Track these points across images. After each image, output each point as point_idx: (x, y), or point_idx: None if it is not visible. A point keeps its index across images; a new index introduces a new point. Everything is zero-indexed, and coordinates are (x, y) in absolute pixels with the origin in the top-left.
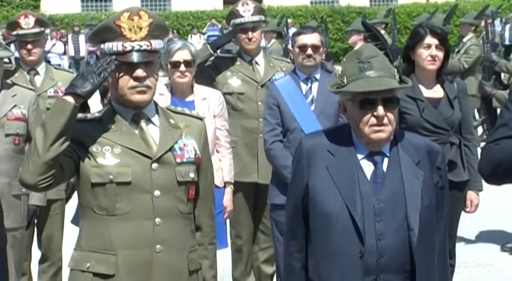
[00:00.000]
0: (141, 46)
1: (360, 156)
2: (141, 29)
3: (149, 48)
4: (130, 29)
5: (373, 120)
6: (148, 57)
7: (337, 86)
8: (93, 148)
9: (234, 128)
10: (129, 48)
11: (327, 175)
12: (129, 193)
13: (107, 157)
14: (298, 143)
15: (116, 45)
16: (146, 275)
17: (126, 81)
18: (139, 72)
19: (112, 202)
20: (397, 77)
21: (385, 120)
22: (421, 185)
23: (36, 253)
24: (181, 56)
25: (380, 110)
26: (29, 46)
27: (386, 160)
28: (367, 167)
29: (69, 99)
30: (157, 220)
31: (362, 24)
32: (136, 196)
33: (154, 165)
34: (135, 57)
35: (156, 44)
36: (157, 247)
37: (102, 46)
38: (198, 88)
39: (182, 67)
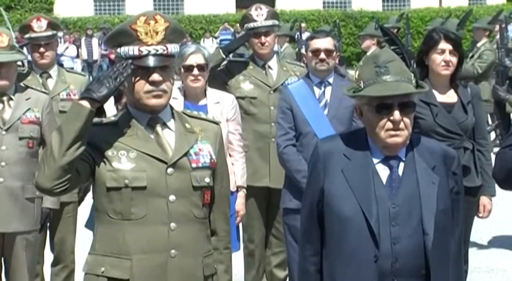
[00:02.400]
0: (157, 50)
1: (375, 160)
2: (157, 33)
3: (165, 52)
4: (146, 33)
5: (389, 124)
6: (164, 62)
7: (353, 90)
8: (109, 152)
9: (246, 133)
10: (145, 52)
11: (342, 178)
12: (144, 198)
13: (122, 161)
14: (314, 147)
15: (132, 50)
16: (161, 280)
17: (142, 86)
18: (156, 76)
19: (127, 207)
20: (413, 81)
21: (401, 125)
22: (437, 190)
23: (48, 256)
24: (195, 60)
25: (396, 114)
26: (42, 49)
27: (402, 165)
28: (383, 172)
29: (85, 103)
30: (173, 224)
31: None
32: (152, 200)
33: (170, 170)
34: (151, 61)
35: (172, 48)
36: (172, 251)
37: (118, 50)
38: (211, 92)
39: (195, 71)
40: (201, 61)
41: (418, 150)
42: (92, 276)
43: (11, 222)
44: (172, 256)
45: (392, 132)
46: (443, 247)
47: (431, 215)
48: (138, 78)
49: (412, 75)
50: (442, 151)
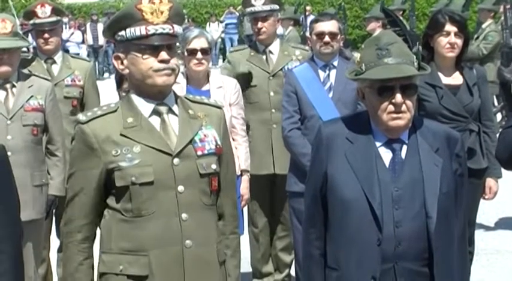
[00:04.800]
0: (164, 29)
1: (378, 143)
2: (162, 12)
3: (171, 31)
4: (152, 13)
5: (391, 107)
6: (170, 40)
7: (355, 73)
8: (113, 152)
9: (250, 122)
10: (152, 31)
11: (345, 162)
12: (153, 192)
13: (127, 158)
14: (317, 131)
15: (139, 30)
16: (179, 271)
17: (150, 64)
18: (164, 54)
19: (137, 203)
20: (415, 64)
21: (403, 108)
22: (440, 172)
23: (54, 242)
24: (198, 43)
25: (398, 97)
26: (46, 35)
27: (405, 147)
28: (386, 155)
29: None
30: (184, 215)
31: (382, 10)
32: (161, 193)
33: (176, 160)
34: (159, 40)
35: (177, 28)
36: (187, 242)
37: (121, 33)
38: (213, 77)
39: (199, 55)
40: (205, 45)
41: (421, 132)
42: (111, 275)
43: (24, 210)
44: (188, 247)
45: (394, 115)
46: (447, 229)
47: (434, 198)
48: (146, 57)
49: (415, 57)
50: (445, 133)
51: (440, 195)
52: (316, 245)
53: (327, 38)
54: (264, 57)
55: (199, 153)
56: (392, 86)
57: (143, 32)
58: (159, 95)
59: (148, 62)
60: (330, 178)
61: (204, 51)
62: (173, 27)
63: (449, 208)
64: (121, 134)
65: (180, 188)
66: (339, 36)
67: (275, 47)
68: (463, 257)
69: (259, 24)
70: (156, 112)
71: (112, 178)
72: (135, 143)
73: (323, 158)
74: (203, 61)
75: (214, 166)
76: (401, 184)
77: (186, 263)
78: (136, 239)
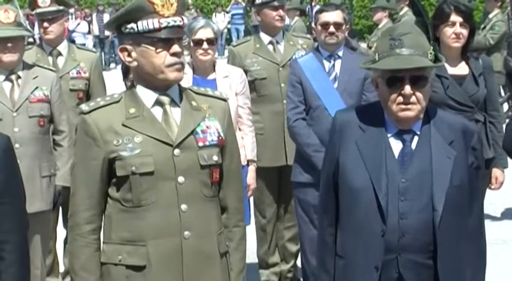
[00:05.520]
0: (175, 21)
1: (389, 134)
2: (172, 4)
3: (181, 23)
4: (163, 5)
5: (400, 98)
6: (180, 33)
7: (370, 63)
8: (114, 142)
9: (260, 115)
10: (165, 24)
11: (356, 150)
12: (153, 182)
13: (128, 148)
14: (332, 118)
15: (151, 23)
16: (178, 262)
17: (163, 59)
18: (176, 47)
19: (137, 193)
20: (430, 55)
21: (413, 99)
22: (452, 165)
23: (61, 233)
24: (204, 34)
25: (407, 88)
26: (45, 24)
27: (416, 138)
28: (396, 145)
29: None
30: (183, 206)
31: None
32: (161, 184)
33: (176, 151)
34: (171, 33)
35: (186, 20)
36: (186, 233)
37: (130, 25)
38: (219, 66)
39: (205, 45)
40: (211, 35)
41: (435, 124)
42: (110, 265)
43: (33, 202)
44: (186, 238)
45: (403, 106)
46: (455, 223)
47: (442, 190)
48: (159, 50)
49: (431, 48)
50: (461, 125)
51: (451, 188)
52: (329, 232)
53: (331, 29)
54: (271, 48)
55: (200, 144)
56: (401, 77)
57: (156, 25)
58: (164, 87)
59: (161, 56)
60: (341, 165)
61: (210, 42)
62: (182, 19)
63: (460, 202)
64: (123, 125)
65: (180, 179)
66: (343, 26)
67: (280, 37)
68: (477, 252)
69: (281, 12)
70: (158, 103)
71: (113, 168)
72: (137, 133)
73: (336, 145)
74: (209, 51)
75: (215, 158)
76: (409, 176)
77: (184, 254)
78: (135, 229)
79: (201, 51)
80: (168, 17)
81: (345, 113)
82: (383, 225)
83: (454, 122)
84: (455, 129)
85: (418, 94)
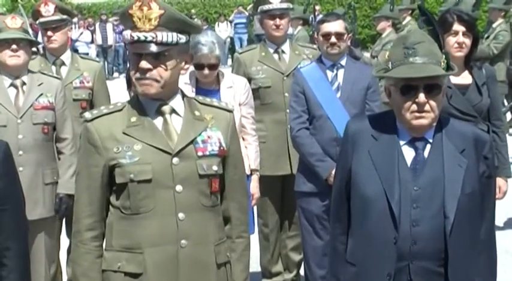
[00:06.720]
0: (146, 37)
1: (402, 142)
2: (150, 20)
3: (154, 40)
4: (139, 19)
5: (414, 106)
6: (153, 49)
7: (383, 71)
8: (114, 149)
9: (263, 123)
10: (135, 38)
11: (368, 159)
12: (151, 190)
13: (127, 155)
14: (345, 127)
15: (127, 34)
16: (173, 271)
17: (133, 72)
18: (143, 64)
19: (135, 201)
20: (443, 64)
21: (427, 107)
22: (464, 173)
23: (64, 242)
24: (206, 60)
25: (421, 97)
26: (49, 33)
27: (428, 146)
28: (408, 153)
29: None
30: (181, 215)
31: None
32: (158, 192)
33: (175, 159)
34: (139, 48)
35: (165, 36)
36: (182, 242)
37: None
38: (224, 77)
39: (206, 70)
40: (213, 61)
41: (448, 132)
42: (110, 272)
43: (35, 209)
44: (183, 246)
45: (417, 114)
46: (466, 231)
47: (454, 198)
48: (133, 63)
49: (444, 56)
50: (473, 134)
51: (462, 196)
52: (340, 240)
53: (333, 39)
54: (277, 57)
55: (200, 154)
56: (416, 86)
57: (128, 38)
58: (154, 99)
59: (132, 69)
60: (353, 174)
61: (211, 67)
62: (157, 36)
63: (471, 210)
64: (123, 132)
65: (178, 187)
66: (345, 36)
67: (286, 47)
68: (489, 261)
69: (278, 21)
70: (159, 112)
71: (113, 175)
72: (136, 141)
73: (348, 154)
74: (210, 74)
75: (215, 168)
76: (421, 183)
77: (180, 262)
78: (133, 237)
79: (202, 74)
80: (142, 31)
81: (357, 122)
82: (395, 232)
83: (466, 131)
84: (467, 138)
85: (432, 102)
